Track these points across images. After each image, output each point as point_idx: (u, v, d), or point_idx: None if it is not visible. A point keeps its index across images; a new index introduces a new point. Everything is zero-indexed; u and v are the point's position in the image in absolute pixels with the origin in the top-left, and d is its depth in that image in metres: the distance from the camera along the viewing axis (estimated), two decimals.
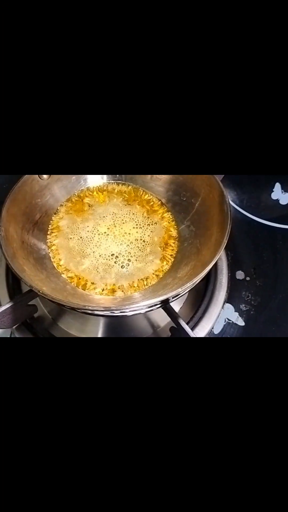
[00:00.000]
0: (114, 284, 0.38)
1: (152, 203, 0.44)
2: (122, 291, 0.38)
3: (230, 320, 0.44)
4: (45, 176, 0.41)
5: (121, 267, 0.39)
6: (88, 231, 0.41)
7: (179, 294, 0.33)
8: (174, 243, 0.41)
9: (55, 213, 0.43)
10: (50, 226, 0.42)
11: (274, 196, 0.50)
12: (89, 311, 0.32)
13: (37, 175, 0.40)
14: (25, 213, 0.39)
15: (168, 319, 0.40)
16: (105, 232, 0.41)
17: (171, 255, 0.40)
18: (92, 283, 0.38)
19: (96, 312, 0.32)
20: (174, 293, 0.32)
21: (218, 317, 0.43)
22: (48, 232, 0.41)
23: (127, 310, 0.32)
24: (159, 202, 0.44)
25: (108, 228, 0.42)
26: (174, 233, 0.42)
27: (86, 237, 0.41)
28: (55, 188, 0.43)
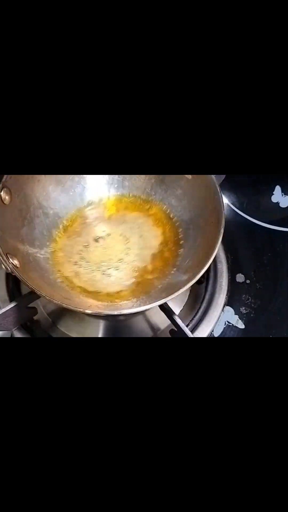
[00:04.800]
0: (115, 292, 0.39)
1: (147, 206, 0.45)
2: (123, 296, 0.38)
3: (230, 323, 0.44)
4: (7, 198, 0.37)
5: (118, 270, 0.40)
6: (85, 236, 0.42)
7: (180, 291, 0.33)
8: (172, 244, 0.42)
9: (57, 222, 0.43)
10: (49, 237, 0.42)
11: (274, 199, 0.51)
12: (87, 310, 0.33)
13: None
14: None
15: (168, 321, 0.40)
16: (102, 238, 0.42)
17: (171, 254, 0.41)
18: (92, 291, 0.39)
19: (91, 311, 0.34)
20: (172, 296, 0.32)
21: (218, 320, 0.44)
22: (47, 243, 0.42)
23: (124, 309, 0.33)
24: (155, 205, 0.45)
25: (105, 235, 0.43)
26: (170, 234, 0.43)
27: (83, 244, 0.42)
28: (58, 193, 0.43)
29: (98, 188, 0.46)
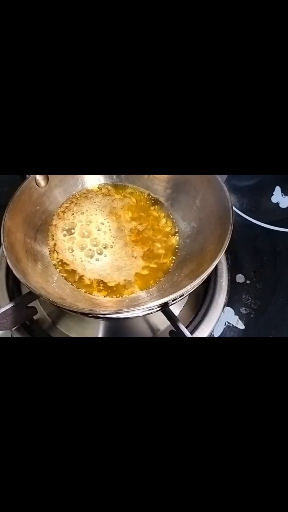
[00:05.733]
0: (116, 283, 0.39)
1: (150, 201, 0.45)
2: (125, 290, 0.39)
3: (230, 324, 0.44)
4: (42, 183, 0.42)
5: (121, 266, 0.40)
6: (86, 231, 0.42)
7: (182, 296, 0.33)
8: (175, 240, 0.42)
9: (54, 218, 0.43)
10: (49, 232, 0.42)
11: (274, 199, 0.51)
12: (90, 314, 0.32)
13: (34, 183, 0.41)
14: (26, 221, 0.39)
15: (167, 322, 0.40)
16: (103, 231, 0.42)
17: (173, 252, 0.41)
18: (94, 282, 0.39)
19: (94, 315, 0.33)
20: (174, 295, 0.32)
21: (218, 320, 0.44)
22: (49, 237, 0.42)
23: (126, 312, 0.32)
24: (157, 200, 0.45)
25: (106, 227, 0.42)
26: (173, 230, 0.43)
27: (84, 238, 0.42)
28: (55, 193, 0.43)
29: (98, 181, 0.47)
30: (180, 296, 0.33)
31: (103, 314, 0.33)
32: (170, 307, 0.39)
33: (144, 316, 0.38)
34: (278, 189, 0.52)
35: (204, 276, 0.33)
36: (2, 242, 0.35)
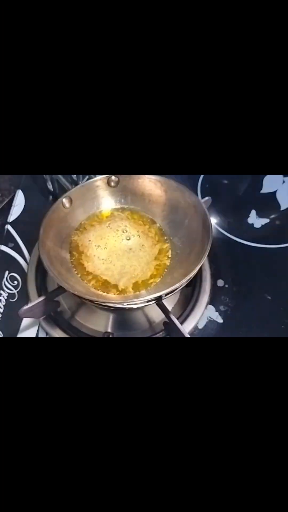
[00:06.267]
0: (124, 286, 0.48)
1: (149, 220, 0.55)
2: (130, 291, 0.48)
3: (211, 318, 0.52)
4: (67, 205, 0.52)
5: (128, 272, 0.49)
6: (97, 245, 0.52)
7: (174, 291, 0.42)
8: (168, 251, 0.52)
9: (75, 232, 0.54)
10: (70, 243, 0.52)
11: (250, 220, 0.61)
12: (101, 303, 0.43)
13: (61, 205, 0.51)
14: (55, 234, 0.49)
15: (162, 315, 0.49)
16: (110, 243, 0.52)
17: (167, 259, 0.51)
18: (108, 284, 0.48)
19: (104, 304, 0.43)
20: (168, 290, 0.42)
21: (202, 315, 0.52)
22: (69, 247, 0.52)
23: (129, 303, 0.42)
24: (154, 221, 0.55)
25: (114, 241, 0.52)
26: (166, 244, 0.52)
27: (97, 250, 0.51)
28: (76, 213, 0.54)
29: (110, 206, 0.57)
30: (171, 292, 0.43)
31: (113, 303, 0.43)
32: (165, 303, 0.49)
33: (143, 307, 0.47)
34: (253, 212, 0.61)
35: (189, 277, 0.42)
36: (39, 250, 0.45)
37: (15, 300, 0.55)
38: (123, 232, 0.53)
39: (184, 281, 0.43)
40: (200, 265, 0.43)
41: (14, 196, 0.66)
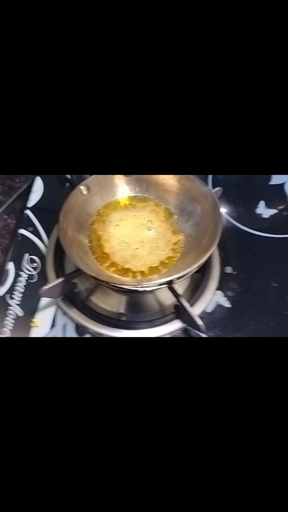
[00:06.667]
0: (138, 270, 0.51)
1: (164, 209, 0.57)
2: (144, 274, 0.51)
3: (219, 303, 0.54)
4: (84, 192, 0.55)
5: (142, 257, 0.52)
6: (113, 230, 0.55)
7: (185, 275, 0.45)
8: (181, 238, 0.54)
9: (93, 217, 0.57)
10: (88, 228, 0.55)
11: (258, 211, 0.63)
12: (116, 285, 0.46)
13: (79, 192, 0.54)
14: (73, 219, 0.52)
15: (173, 299, 0.51)
16: (128, 228, 0.55)
17: (180, 247, 0.53)
18: (123, 268, 0.51)
19: (119, 286, 0.46)
20: (179, 275, 0.45)
21: (211, 300, 0.54)
22: (87, 232, 0.55)
23: (142, 286, 0.45)
24: (169, 209, 0.57)
25: (130, 227, 0.55)
26: (180, 232, 0.55)
27: (114, 235, 0.54)
28: (94, 200, 0.57)
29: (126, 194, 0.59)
30: (182, 277, 0.45)
31: (127, 286, 0.46)
32: (176, 289, 0.51)
33: (155, 291, 0.50)
34: (262, 202, 0.63)
35: (199, 263, 0.45)
36: (59, 232, 0.48)
37: (35, 282, 0.58)
38: (144, 219, 0.56)
39: (194, 267, 0.45)
40: (211, 252, 0.46)
41: (32, 182, 0.69)
